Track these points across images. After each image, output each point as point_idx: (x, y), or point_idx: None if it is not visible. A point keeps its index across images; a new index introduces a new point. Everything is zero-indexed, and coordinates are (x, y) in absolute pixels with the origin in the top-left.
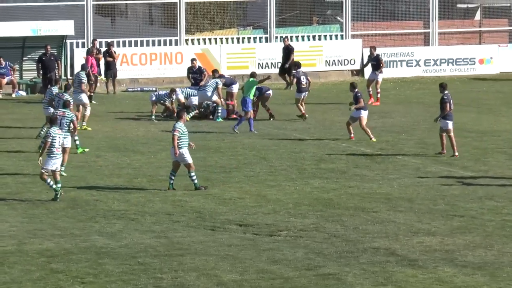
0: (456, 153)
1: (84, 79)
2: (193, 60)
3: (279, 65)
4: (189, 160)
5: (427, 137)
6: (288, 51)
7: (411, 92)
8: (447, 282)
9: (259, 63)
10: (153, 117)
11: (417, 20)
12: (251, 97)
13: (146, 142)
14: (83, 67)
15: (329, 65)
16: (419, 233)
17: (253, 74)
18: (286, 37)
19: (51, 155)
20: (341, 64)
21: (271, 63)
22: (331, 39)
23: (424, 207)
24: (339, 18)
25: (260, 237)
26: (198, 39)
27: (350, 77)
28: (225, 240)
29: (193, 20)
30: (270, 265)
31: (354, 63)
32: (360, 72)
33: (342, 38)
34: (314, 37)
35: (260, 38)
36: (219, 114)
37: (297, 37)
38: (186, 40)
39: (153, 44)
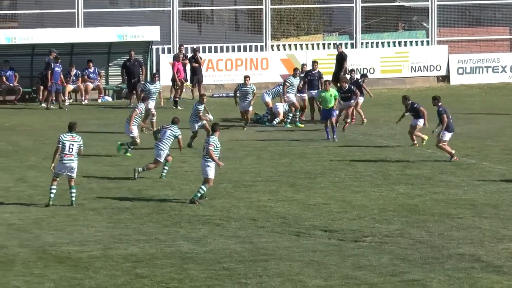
0: (455, 158)
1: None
2: (314, 63)
3: (365, 71)
4: (211, 175)
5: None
6: (341, 58)
7: (497, 99)
8: None
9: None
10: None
11: (504, 26)
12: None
13: (231, 148)
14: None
15: (415, 71)
16: (505, 239)
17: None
18: (340, 44)
19: (61, 160)
20: (427, 70)
21: (357, 69)
22: (416, 45)
23: (510, 214)
24: (425, 24)
25: (345, 242)
26: (284, 45)
27: (436, 83)
28: (310, 246)
29: (279, 26)
30: (354, 271)
31: (440, 69)
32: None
33: (428, 44)
34: (400, 43)
35: (346, 43)
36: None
37: (383, 43)
38: (272, 46)
39: (239, 50)
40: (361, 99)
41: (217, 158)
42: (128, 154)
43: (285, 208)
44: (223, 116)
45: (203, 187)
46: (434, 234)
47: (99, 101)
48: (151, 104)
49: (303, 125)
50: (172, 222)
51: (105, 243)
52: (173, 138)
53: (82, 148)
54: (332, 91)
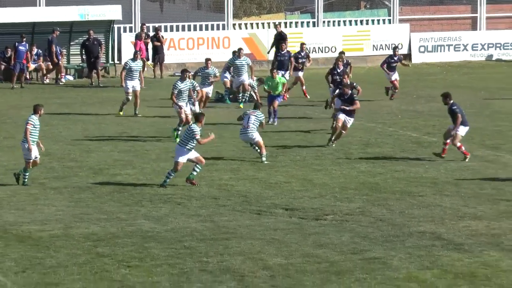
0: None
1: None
2: (302, 44)
3: (326, 50)
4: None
5: (475, 121)
6: (280, 38)
7: (458, 77)
8: (493, 266)
9: (306, 48)
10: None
11: (465, 5)
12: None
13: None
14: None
15: (377, 50)
16: (465, 217)
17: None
18: (279, 23)
19: (33, 144)
20: (389, 49)
21: (318, 47)
22: (378, 23)
23: (471, 191)
24: (387, 3)
25: (306, 221)
26: (246, 24)
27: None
28: (271, 224)
29: (241, 5)
30: (315, 249)
31: (402, 47)
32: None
33: (389, 23)
34: (361, 21)
35: (308, 22)
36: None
37: (344, 21)
38: (234, 25)
39: (201, 29)
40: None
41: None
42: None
43: (246, 187)
44: None
45: (198, 166)
46: (395, 212)
47: (63, 80)
48: (134, 83)
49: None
50: (133, 201)
51: (66, 222)
52: (258, 123)
53: None
54: (279, 78)
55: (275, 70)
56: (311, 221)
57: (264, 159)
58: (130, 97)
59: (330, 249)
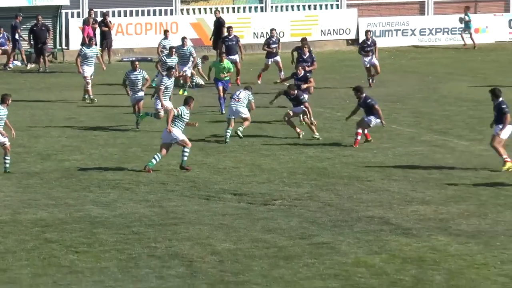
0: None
1: None
2: (272, 30)
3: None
4: (182, 136)
5: (422, 106)
6: (219, 24)
7: (406, 62)
8: (441, 251)
9: (254, 33)
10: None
11: None
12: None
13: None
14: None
15: (325, 35)
16: (413, 202)
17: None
18: (217, 9)
19: None
20: (337, 34)
21: (266, 32)
22: (326, 8)
23: (419, 176)
24: None
25: (255, 206)
26: (194, 9)
27: (345, 47)
28: (220, 210)
29: None
30: (264, 234)
31: (349, 32)
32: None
33: (337, 8)
34: (309, 6)
35: (256, 7)
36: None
37: (292, 6)
38: (182, 10)
39: (148, 14)
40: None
41: (183, 128)
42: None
43: (195, 172)
44: None
45: (185, 150)
46: (343, 197)
47: (10, 66)
48: (89, 69)
49: (181, 93)
50: (81, 186)
51: (14, 207)
52: (247, 101)
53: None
54: (226, 63)
55: (223, 55)
56: (259, 206)
57: (240, 130)
58: (89, 81)
59: (278, 234)
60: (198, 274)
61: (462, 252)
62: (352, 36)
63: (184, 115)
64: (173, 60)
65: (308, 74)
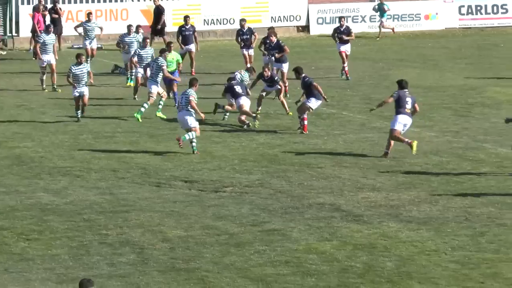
0: None
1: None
2: (241, 21)
3: (225, 21)
4: (195, 124)
5: (372, 93)
6: (158, 12)
7: (356, 48)
8: (392, 237)
9: (204, 19)
10: None
11: None
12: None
13: (91, 98)
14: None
15: (275, 21)
16: (364, 189)
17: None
18: None
19: None
20: (287, 20)
21: (217, 19)
22: None
23: (369, 163)
24: None
25: (205, 193)
26: None
27: (296, 33)
28: (170, 197)
29: None
30: (215, 221)
31: (300, 19)
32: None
33: None
34: None
35: None
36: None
37: None
38: None
39: (98, 1)
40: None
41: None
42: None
43: (146, 159)
44: None
45: (191, 134)
46: (294, 184)
47: None
48: (49, 56)
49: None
50: (32, 174)
51: None
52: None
53: None
54: (175, 55)
55: (171, 45)
56: (210, 193)
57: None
58: (45, 71)
59: (229, 221)
60: (149, 261)
61: (413, 238)
62: (303, 22)
63: (196, 99)
64: (147, 52)
65: (276, 76)
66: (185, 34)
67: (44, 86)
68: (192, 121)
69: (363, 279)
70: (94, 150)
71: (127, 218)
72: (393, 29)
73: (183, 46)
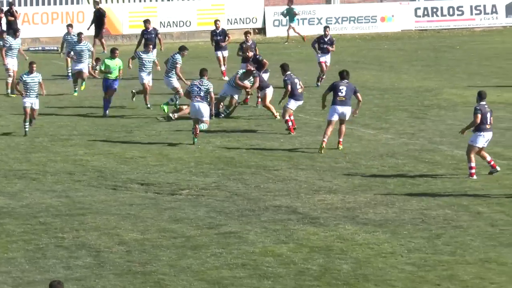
0: None
1: None
2: (216, 21)
3: (181, 24)
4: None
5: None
6: (100, 15)
7: (312, 51)
8: (349, 240)
9: (161, 22)
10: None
11: None
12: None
13: (47, 101)
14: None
15: (231, 24)
16: (321, 191)
17: (112, 51)
18: (95, 0)
19: None
20: (243, 23)
21: (173, 21)
22: None
23: (326, 165)
24: None
25: (162, 196)
26: None
27: (252, 36)
28: (127, 199)
29: None
30: (171, 224)
31: (256, 21)
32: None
33: None
34: None
35: None
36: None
37: None
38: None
39: (55, 3)
40: (269, 91)
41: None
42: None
43: (102, 162)
44: (38, 70)
45: (203, 125)
46: (251, 186)
47: None
48: (11, 61)
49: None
50: None
51: None
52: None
53: None
54: (119, 62)
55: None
56: (166, 196)
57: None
58: (11, 74)
59: (185, 224)
60: (106, 264)
61: (369, 241)
62: (259, 25)
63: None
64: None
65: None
66: (147, 37)
67: (10, 91)
68: (207, 114)
69: (320, 282)
70: (50, 153)
71: (83, 221)
72: (304, 38)
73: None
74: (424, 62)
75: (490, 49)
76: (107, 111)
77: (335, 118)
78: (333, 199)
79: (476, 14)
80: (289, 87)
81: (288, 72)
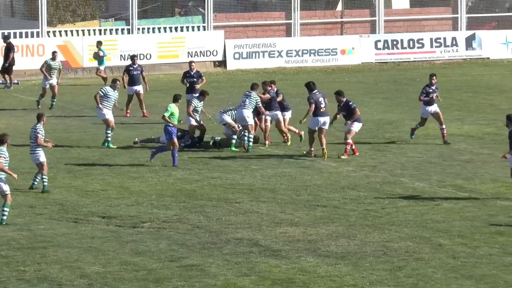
0: None
1: None
2: (191, 62)
3: (141, 57)
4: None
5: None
6: (7, 49)
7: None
8: (310, 272)
9: (121, 55)
10: None
11: (279, 11)
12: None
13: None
14: None
15: (192, 56)
16: (282, 224)
17: (176, 98)
18: (4, 34)
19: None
20: (204, 55)
21: (139, 54)
22: (193, 30)
23: (287, 198)
24: (201, 10)
25: (123, 228)
26: (60, 31)
27: (213, 68)
28: (88, 232)
29: (55, 12)
30: (133, 257)
31: (216, 54)
32: None
33: (204, 29)
34: (176, 28)
35: (122, 29)
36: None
37: (159, 28)
38: (48, 32)
39: (15, 36)
40: (287, 114)
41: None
42: (111, 145)
43: (63, 195)
44: None
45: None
46: (212, 219)
47: None
48: None
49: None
50: None
51: None
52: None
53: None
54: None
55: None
56: (128, 228)
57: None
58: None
59: (147, 256)
60: None
61: (331, 273)
62: (219, 57)
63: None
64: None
65: None
66: (133, 74)
67: None
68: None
69: None
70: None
71: (44, 254)
72: (105, 79)
73: (126, 86)
74: (385, 94)
75: (450, 82)
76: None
77: (316, 128)
78: (294, 231)
79: (436, 46)
80: (312, 106)
81: (315, 91)
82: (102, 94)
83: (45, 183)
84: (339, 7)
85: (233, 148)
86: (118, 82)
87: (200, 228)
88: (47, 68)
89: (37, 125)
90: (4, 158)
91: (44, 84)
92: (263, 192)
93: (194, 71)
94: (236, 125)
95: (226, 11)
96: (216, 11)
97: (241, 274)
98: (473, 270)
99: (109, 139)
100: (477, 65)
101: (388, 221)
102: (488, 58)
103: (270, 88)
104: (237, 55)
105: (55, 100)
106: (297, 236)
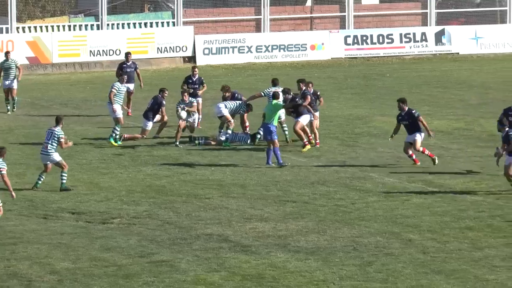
0: None
1: None
2: (193, 67)
3: (111, 52)
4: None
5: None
6: None
7: (243, 79)
8: (280, 268)
9: (90, 51)
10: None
11: (249, 7)
12: (275, 123)
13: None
14: None
15: (161, 52)
16: (252, 219)
17: (275, 95)
18: None
19: None
20: (173, 51)
21: (103, 50)
22: (162, 26)
23: (257, 193)
24: (170, 5)
25: (93, 224)
26: (29, 27)
27: (182, 64)
28: (58, 228)
29: (24, 8)
30: (103, 252)
31: (186, 50)
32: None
33: (174, 25)
34: (146, 24)
35: (92, 25)
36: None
37: (128, 24)
38: (17, 28)
39: None
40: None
41: None
42: (118, 142)
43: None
44: None
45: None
46: (182, 215)
47: None
48: None
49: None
50: None
51: None
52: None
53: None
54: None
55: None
56: (98, 224)
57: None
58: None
59: (117, 252)
60: None
61: (301, 268)
62: (189, 53)
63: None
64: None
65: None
66: (127, 71)
67: None
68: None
69: None
70: None
71: (14, 251)
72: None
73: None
74: (354, 90)
75: (420, 77)
76: None
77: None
78: (264, 227)
79: (405, 42)
80: (309, 98)
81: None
82: (116, 92)
83: (64, 181)
84: (309, 2)
85: (227, 144)
86: (125, 76)
87: (170, 224)
88: (3, 70)
89: (56, 128)
90: (5, 169)
91: (4, 86)
92: (233, 187)
93: (197, 77)
94: (232, 120)
95: (196, 6)
96: (186, 6)
97: (211, 270)
98: (443, 265)
99: (117, 136)
100: (447, 60)
101: (358, 216)
102: (458, 53)
103: (305, 88)
104: (206, 51)
105: (15, 102)
106: (267, 232)
